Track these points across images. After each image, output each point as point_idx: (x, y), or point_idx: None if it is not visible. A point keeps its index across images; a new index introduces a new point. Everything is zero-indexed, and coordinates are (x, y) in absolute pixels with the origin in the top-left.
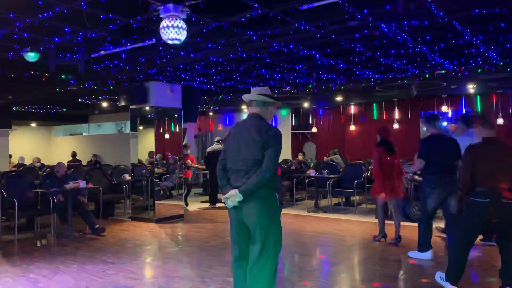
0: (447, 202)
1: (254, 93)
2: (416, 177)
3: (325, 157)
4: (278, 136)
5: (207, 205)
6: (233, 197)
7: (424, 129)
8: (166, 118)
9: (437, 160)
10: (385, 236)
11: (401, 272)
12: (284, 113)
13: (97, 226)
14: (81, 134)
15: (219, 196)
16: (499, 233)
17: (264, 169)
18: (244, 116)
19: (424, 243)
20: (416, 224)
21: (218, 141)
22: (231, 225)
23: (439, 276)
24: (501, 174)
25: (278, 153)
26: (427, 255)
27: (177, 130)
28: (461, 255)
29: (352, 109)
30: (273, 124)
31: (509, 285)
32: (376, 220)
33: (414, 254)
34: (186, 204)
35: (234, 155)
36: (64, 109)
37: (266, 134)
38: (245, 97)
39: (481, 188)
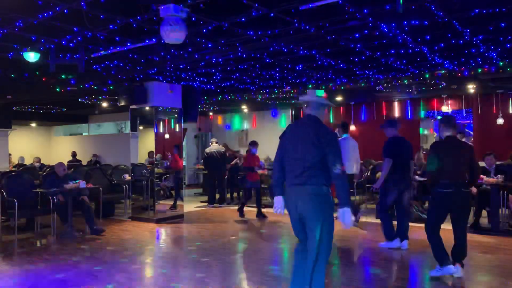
0: (401, 196)
1: (313, 96)
2: (417, 177)
3: None
4: (336, 141)
5: (205, 205)
6: (347, 216)
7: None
8: (166, 118)
9: (399, 159)
10: None
11: (402, 272)
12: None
13: (95, 227)
14: (81, 134)
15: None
16: (454, 218)
17: (339, 175)
18: (245, 116)
19: (390, 234)
20: (415, 224)
21: (216, 142)
22: (291, 220)
23: (435, 271)
24: (460, 167)
25: (339, 156)
26: (395, 243)
27: (177, 130)
28: (436, 239)
29: (352, 109)
30: (274, 123)
31: (458, 262)
32: (377, 220)
33: (385, 244)
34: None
35: (291, 156)
36: (64, 109)
37: (324, 138)
38: (303, 98)
39: (445, 180)
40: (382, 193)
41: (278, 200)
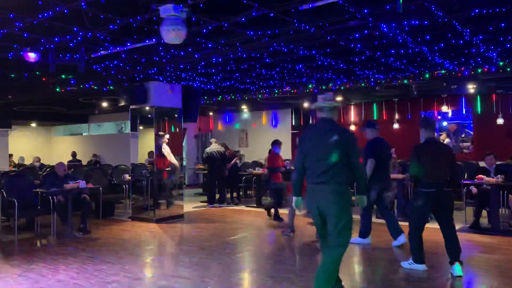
0: (381, 195)
1: (325, 101)
2: None
3: None
4: (355, 139)
5: (205, 204)
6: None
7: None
8: (166, 118)
9: (380, 160)
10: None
11: (401, 273)
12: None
13: (84, 226)
14: (81, 134)
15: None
16: (439, 217)
17: (360, 171)
18: (245, 116)
19: (365, 231)
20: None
21: (216, 142)
22: (313, 217)
23: (407, 263)
24: (441, 168)
25: (358, 153)
26: (368, 240)
27: (177, 130)
28: (418, 238)
29: (352, 109)
30: (274, 123)
31: (456, 259)
32: (376, 220)
33: (356, 240)
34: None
35: (313, 157)
36: (64, 109)
37: (345, 138)
38: (317, 105)
39: (427, 180)
40: None
41: (298, 200)
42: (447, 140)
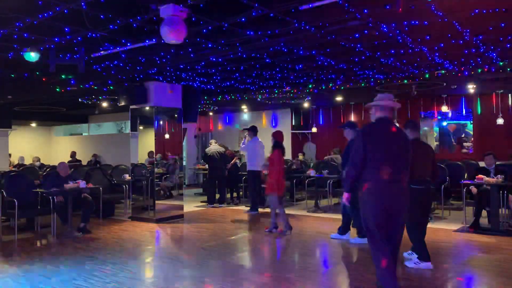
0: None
1: (387, 99)
2: None
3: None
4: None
5: (205, 204)
6: None
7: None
8: (166, 118)
9: None
10: (277, 227)
11: (401, 272)
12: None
13: (84, 225)
14: (81, 134)
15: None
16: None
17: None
18: (245, 116)
19: (346, 227)
20: None
21: (216, 142)
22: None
23: (413, 263)
24: (427, 167)
25: None
26: (347, 236)
27: (177, 130)
28: (422, 234)
29: (352, 109)
30: (273, 123)
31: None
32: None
33: (355, 240)
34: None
35: (382, 155)
36: (64, 109)
37: (407, 139)
38: (381, 103)
39: (417, 177)
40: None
41: (347, 196)
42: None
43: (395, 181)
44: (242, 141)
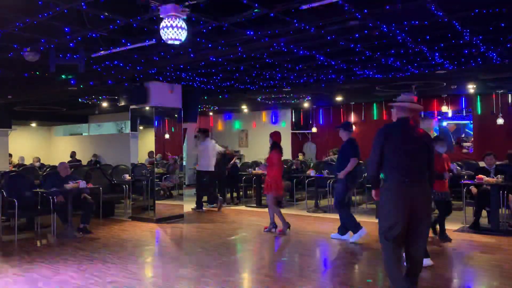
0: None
1: (409, 100)
2: None
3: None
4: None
5: (204, 204)
6: None
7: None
8: (166, 118)
9: (358, 159)
10: (275, 226)
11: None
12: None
13: (83, 225)
14: (81, 134)
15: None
16: None
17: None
18: (245, 116)
19: (354, 225)
20: None
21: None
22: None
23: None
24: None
25: None
26: (364, 231)
27: (177, 130)
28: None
29: (352, 109)
30: (274, 120)
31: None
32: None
33: (354, 237)
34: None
35: (402, 156)
36: (64, 109)
37: (429, 140)
38: (404, 105)
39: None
40: (341, 190)
41: (375, 193)
42: None
43: (415, 181)
44: (194, 144)
